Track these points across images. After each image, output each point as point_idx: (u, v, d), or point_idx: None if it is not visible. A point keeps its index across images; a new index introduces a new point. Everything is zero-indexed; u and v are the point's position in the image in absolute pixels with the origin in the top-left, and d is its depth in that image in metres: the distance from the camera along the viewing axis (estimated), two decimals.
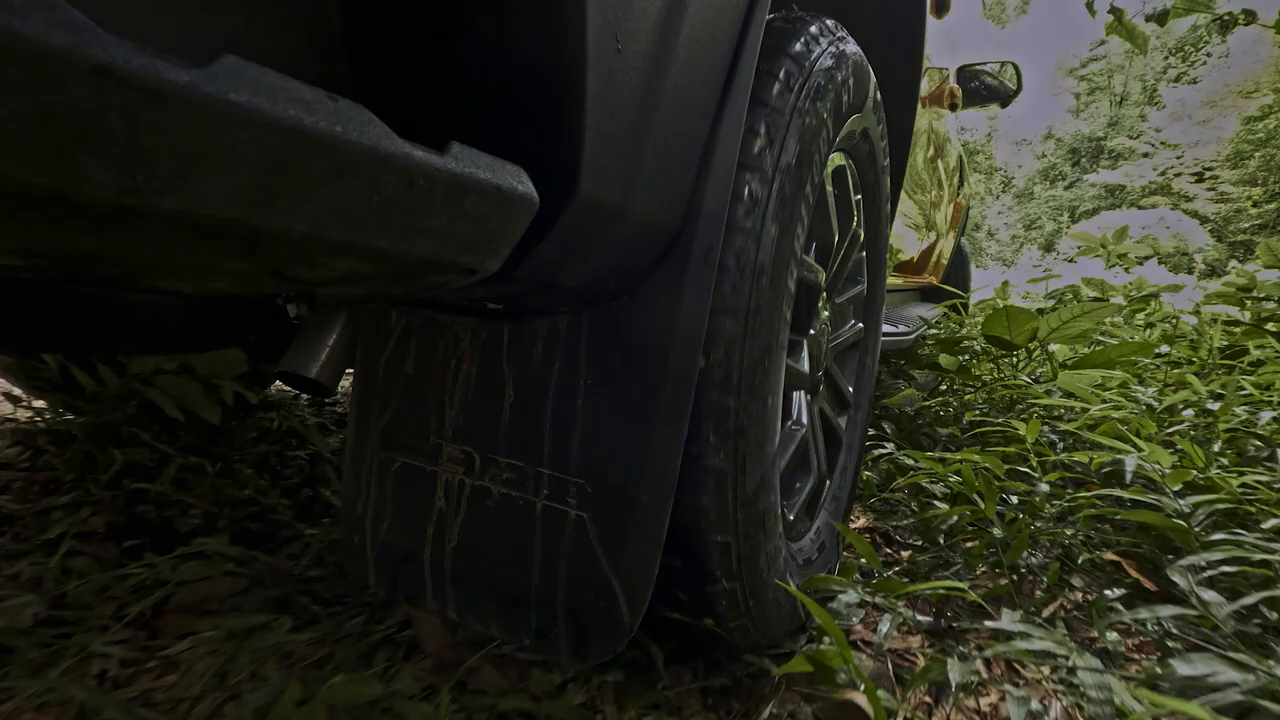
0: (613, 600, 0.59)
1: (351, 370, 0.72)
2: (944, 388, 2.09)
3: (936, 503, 1.24)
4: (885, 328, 1.58)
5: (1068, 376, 1.63)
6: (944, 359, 1.88)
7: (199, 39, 0.37)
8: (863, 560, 1.08)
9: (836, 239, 0.94)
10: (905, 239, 2.09)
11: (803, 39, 0.71)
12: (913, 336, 1.85)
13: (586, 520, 0.59)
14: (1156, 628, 0.83)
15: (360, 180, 0.31)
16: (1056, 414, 1.78)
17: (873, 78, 0.89)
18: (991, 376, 2.13)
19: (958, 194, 2.99)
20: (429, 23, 0.44)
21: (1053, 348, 1.97)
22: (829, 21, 0.78)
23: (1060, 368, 1.86)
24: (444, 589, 0.66)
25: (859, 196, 1.03)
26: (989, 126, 24.99)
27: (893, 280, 2.19)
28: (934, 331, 2.31)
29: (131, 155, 0.24)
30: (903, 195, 1.64)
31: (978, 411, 1.87)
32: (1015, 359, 2.09)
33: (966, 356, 2.13)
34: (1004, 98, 2.93)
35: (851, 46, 0.80)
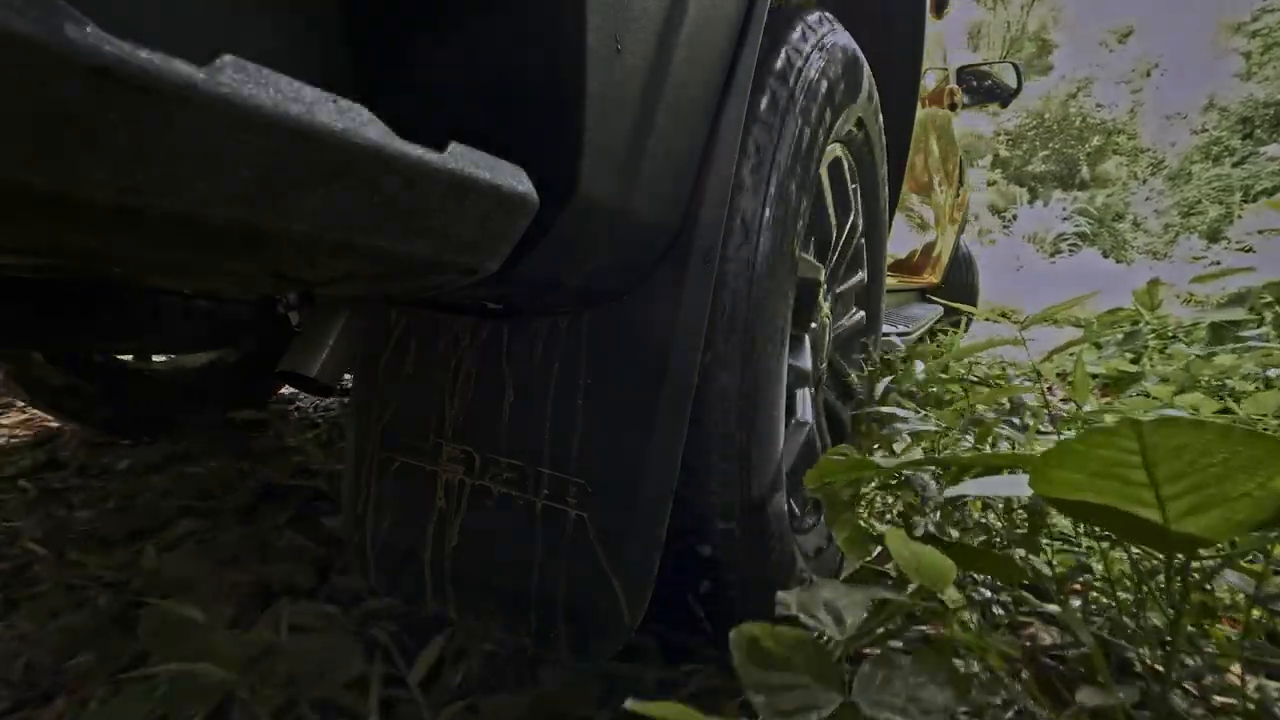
0: (613, 599, 0.59)
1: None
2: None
3: None
4: (884, 327, 1.58)
5: None
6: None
7: (199, 38, 0.37)
8: None
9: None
10: (903, 237, 2.07)
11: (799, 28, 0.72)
12: (914, 335, 1.85)
13: (586, 520, 0.59)
14: None
15: (360, 180, 0.31)
16: None
17: (867, 69, 0.90)
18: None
19: (957, 192, 2.99)
20: (429, 22, 0.44)
21: None
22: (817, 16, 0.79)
23: None
24: (444, 588, 0.66)
25: (856, 185, 1.03)
26: (1131, 101, 19.68)
27: (890, 280, 2.18)
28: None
29: (131, 155, 0.24)
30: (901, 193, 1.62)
31: None
32: (1177, 587, 0.47)
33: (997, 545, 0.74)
34: (1004, 96, 2.94)
35: (843, 39, 0.81)
